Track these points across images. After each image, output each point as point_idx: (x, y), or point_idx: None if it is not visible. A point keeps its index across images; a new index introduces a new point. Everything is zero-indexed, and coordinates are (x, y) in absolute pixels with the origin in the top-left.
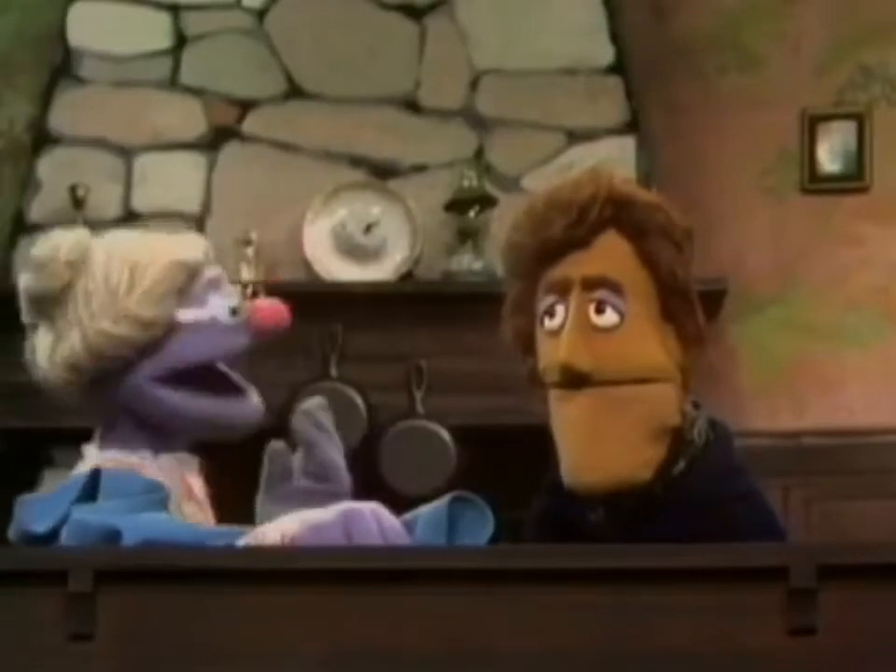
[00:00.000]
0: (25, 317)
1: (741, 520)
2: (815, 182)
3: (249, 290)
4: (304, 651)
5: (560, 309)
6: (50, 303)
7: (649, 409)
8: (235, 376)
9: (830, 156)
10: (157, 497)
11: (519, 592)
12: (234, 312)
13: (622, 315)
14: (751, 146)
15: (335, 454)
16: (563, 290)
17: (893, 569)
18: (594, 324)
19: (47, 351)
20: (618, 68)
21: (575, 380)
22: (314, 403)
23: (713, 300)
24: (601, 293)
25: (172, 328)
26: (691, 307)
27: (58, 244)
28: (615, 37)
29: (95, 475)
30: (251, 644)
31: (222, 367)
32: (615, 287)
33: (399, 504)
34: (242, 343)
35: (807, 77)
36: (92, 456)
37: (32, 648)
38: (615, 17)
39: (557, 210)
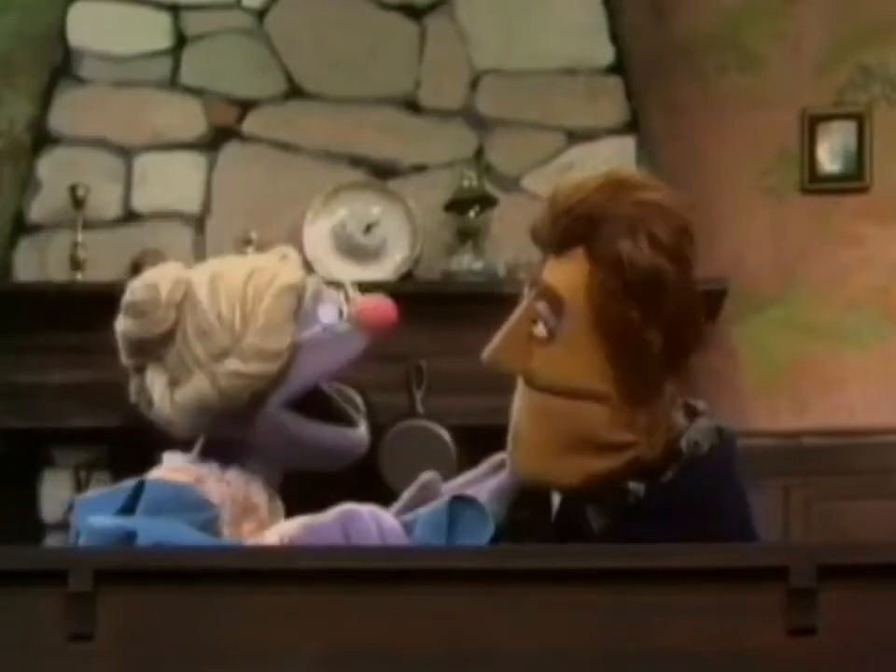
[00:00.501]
0: (126, 360)
1: (716, 537)
2: (815, 182)
3: (346, 292)
4: (304, 650)
5: (518, 308)
6: (156, 346)
7: (571, 422)
8: (341, 404)
9: (830, 156)
10: (199, 517)
11: (519, 592)
12: (342, 315)
13: (552, 332)
14: (751, 146)
15: None
16: (530, 286)
17: (893, 569)
18: (531, 331)
19: (164, 394)
20: (618, 68)
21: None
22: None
23: (713, 300)
24: (541, 305)
25: (293, 350)
26: (629, 346)
27: (156, 285)
28: (615, 37)
29: (140, 487)
30: (251, 644)
31: (332, 394)
32: (556, 304)
33: None
34: (360, 347)
35: (807, 76)
36: (164, 462)
37: (32, 648)
38: (615, 17)
39: (548, 208)
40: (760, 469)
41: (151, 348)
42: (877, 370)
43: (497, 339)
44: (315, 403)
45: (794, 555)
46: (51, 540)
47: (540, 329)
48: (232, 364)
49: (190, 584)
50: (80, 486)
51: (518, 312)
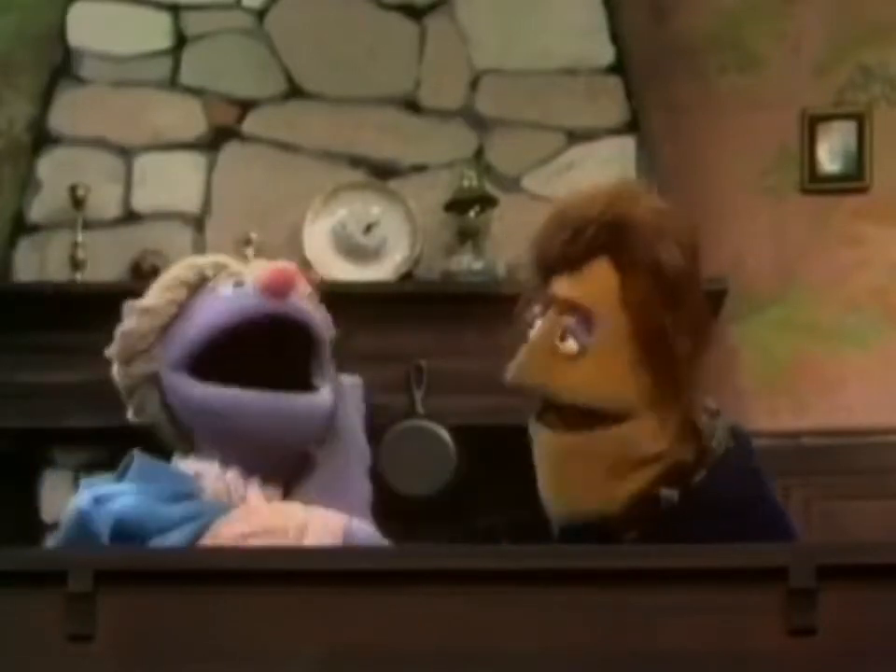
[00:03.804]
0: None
1: (761, 522)
2: (815, 182)
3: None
4: (304, 651)
5: (539, 324)
6: None
7: (607, 450)
8: (324, 371)
9: (830, 156)
10: (179, 489)
11: (519, 592)
12: (238, 285)
13: (583, 346)
14: (751, 146)
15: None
16: (545, 306)
17: (893, 569)
18: (556, 348)
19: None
20: (618, 68)
21: (533, 400)
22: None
23: (713, 300)
24: (568, 320)
25: (180, 315)
26: (664, 352)
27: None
28: (615, 37)
29: (129, 461)
30: (251, 644)
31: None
32: (585, 318)
33: (400, 504)
34: (251, 307)
35: (807, 76)
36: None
37: (32, 648)
38: (615, 17)
39: (559, 225)
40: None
41: None
42: (877, 370)
43: (520, 357)
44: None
45: (794, 555)
46: (51, 541)
47: (570, 345)
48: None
49: (190, 584)
50: (80, 486)
51: (540, 330)
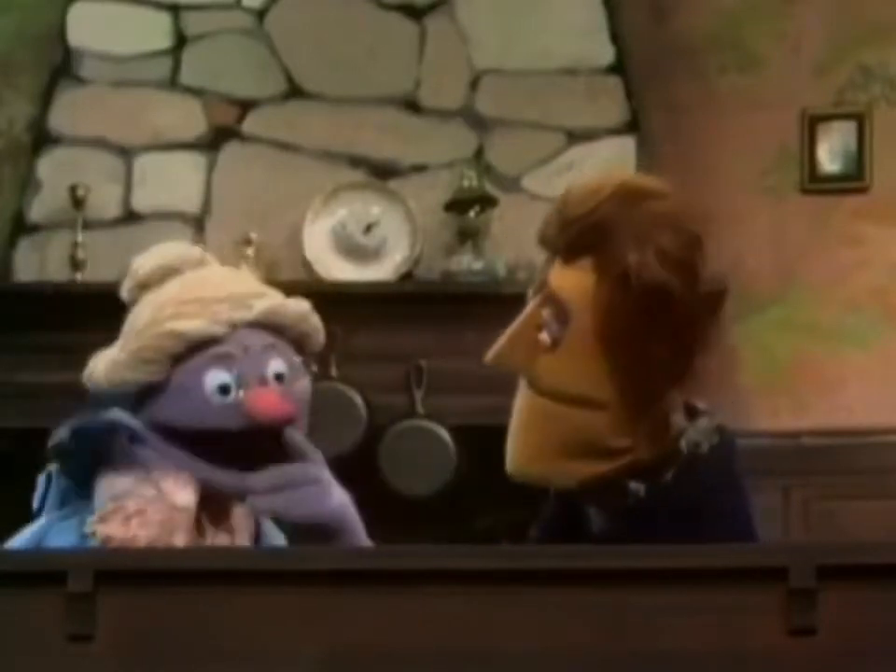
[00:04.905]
0: None
1: (716, 537)
2: (815, 182)
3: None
4: (304, 650)
5: (528, 305)
6: None
7: (569, 430)
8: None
9: (830, 156)
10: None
11: (519, 592)
12: (224, 391)
13: (555, 340)
14: (751, 146)
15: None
16: (540, 287)
17: (893, 569)
18: (534, 336)
19: None
20: (618, 68)
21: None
22: None
23: (713, 300)
24: (546, 312)
25: (168, 380)
26: (640, 360)
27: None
28: (615, 37)
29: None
30: (251, 644)
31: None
32: (561, 313)
33: (400, 504)
34: (231, 425)
35: (807, 76)
36: None
37: (31, 648)
38: (615, 17)
39: (558, 212)
40: (759, 468)
41: None
42: (877, 370)
43: (501, 339)
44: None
45: (794, 555)
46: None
47: (544, 337)
48: (116, 355)
49: (190, 584)
50: None
51: (524, 315)
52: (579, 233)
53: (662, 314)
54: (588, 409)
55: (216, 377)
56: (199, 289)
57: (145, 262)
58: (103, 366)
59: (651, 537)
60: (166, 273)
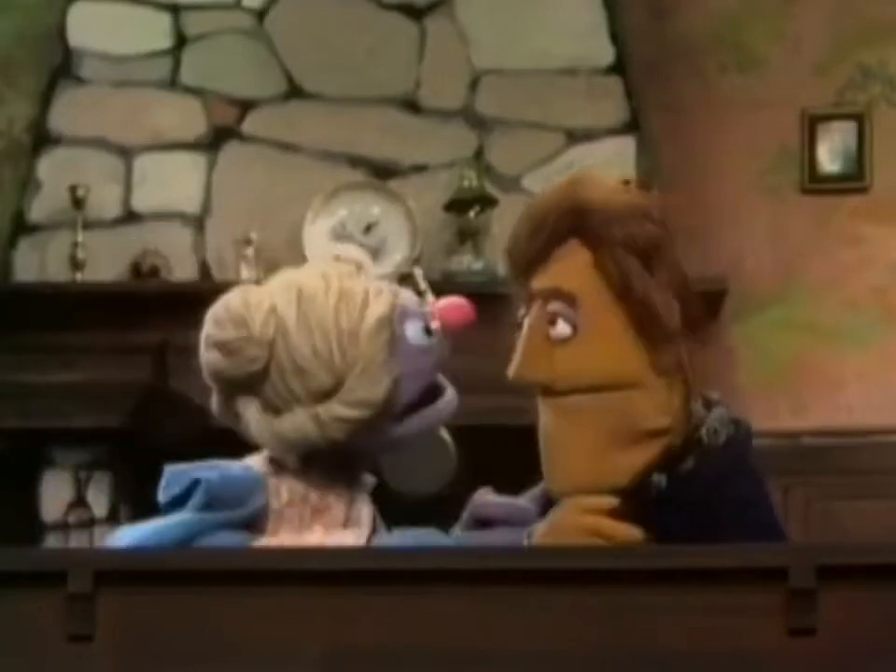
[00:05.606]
0: (213, 386)
1: (740, 526)
2: (815, 182)
3: (419, 290)
4: (304, 650)
5: (526, 322)
6: (250, 381)
7: (612, 417)
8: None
9: (830, 156)
10: (234, 514)
11: (519, 592)
12: (429, 332)
13: (574, 326)
14: (751, 146)
15: None
16: (528, 303)
17: (893, 569)
18: (549, 335)
19: (261, 422)
20: (618, 68)
21: (535, 390)
22: None
23: (713, 300)
24: (554, 305)
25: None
26: (653, 317)
27: (246, 320)
28: (615, 37)
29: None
30: (251, 644)
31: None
32: (568, 299)
33: (399, 504)
34: (445, 352)
35: (807, 77)
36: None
37: (31, 648)
38: (615, 17)
39: (523, 225)
40: (759, 468)
41: (244, 383)
42: (877, 370)
43: (518, 355)
44: None
45: (794, 556)
46: (51, 541)
47: (562, 328)
48: (336, 409)
49: (190, 584)
50: (80, 486)
51: (529, 326)
52: (556, 223)
53: (662, 266)
54: (621, 389)
55: (414, 329)
56: (339, 286)
57: (250, 319)
58: (303, 429)
59: (674, 527)
60: (279, 320)
